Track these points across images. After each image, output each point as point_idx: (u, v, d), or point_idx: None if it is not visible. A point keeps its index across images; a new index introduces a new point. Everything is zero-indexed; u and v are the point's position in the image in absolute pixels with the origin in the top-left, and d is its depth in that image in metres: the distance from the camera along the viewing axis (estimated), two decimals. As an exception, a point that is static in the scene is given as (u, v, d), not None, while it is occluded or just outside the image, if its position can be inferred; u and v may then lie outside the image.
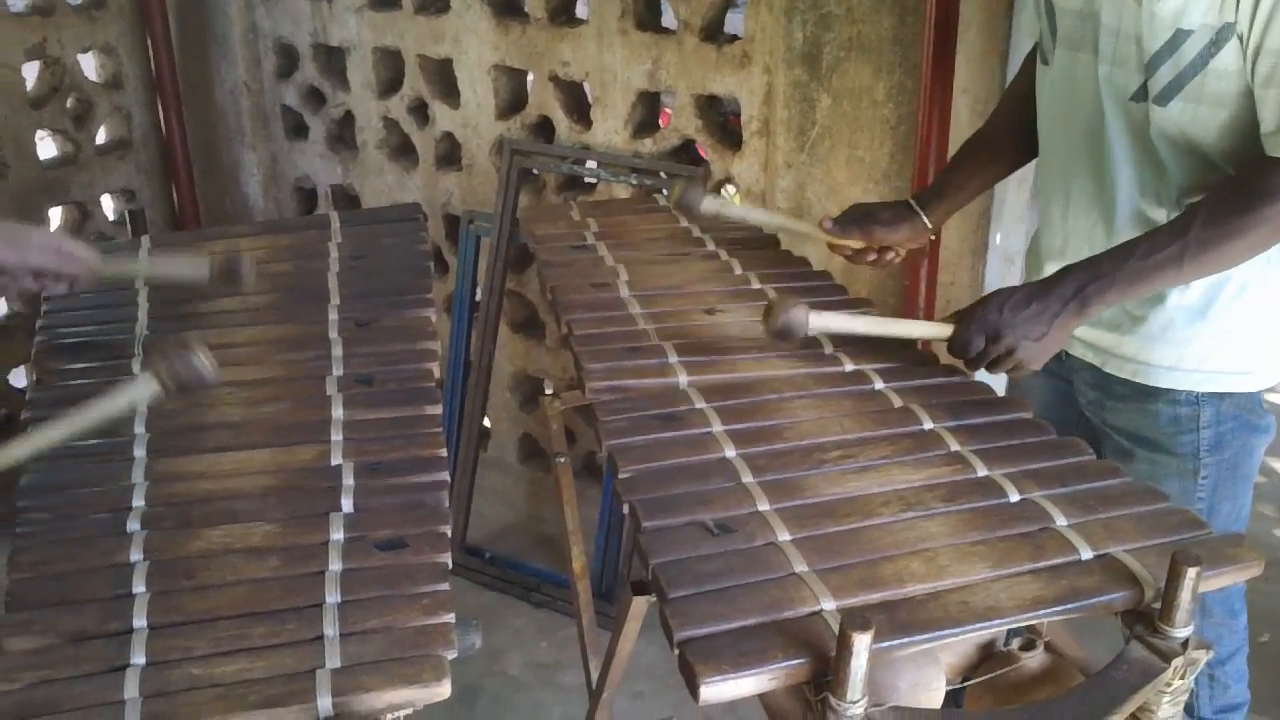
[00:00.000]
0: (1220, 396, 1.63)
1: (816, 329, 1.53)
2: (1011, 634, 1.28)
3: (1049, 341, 1.51)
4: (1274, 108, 1.40)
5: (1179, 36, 1.44)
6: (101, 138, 3.45)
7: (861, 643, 0.94)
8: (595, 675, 1.94)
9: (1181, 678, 1.10)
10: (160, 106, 3.48)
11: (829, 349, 1.57)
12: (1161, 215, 1.56)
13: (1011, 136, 1.82)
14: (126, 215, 2.22)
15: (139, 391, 1.31)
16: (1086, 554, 1.16)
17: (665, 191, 2.72)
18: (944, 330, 1.58)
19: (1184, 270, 1.47)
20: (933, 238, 1.83)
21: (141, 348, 1.55)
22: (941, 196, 1.85)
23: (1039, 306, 1.50)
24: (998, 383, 1.74)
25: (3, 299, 3.22)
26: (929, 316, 2.41)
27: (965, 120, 2.29)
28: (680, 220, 2.00)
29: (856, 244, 1.80)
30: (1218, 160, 1.51)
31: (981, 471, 1.30)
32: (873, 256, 1.82)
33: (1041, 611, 1.09)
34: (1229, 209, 1.44)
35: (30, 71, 3.20)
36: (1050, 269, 1.63)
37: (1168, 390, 1.64)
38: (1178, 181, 1.55)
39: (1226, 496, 1.67)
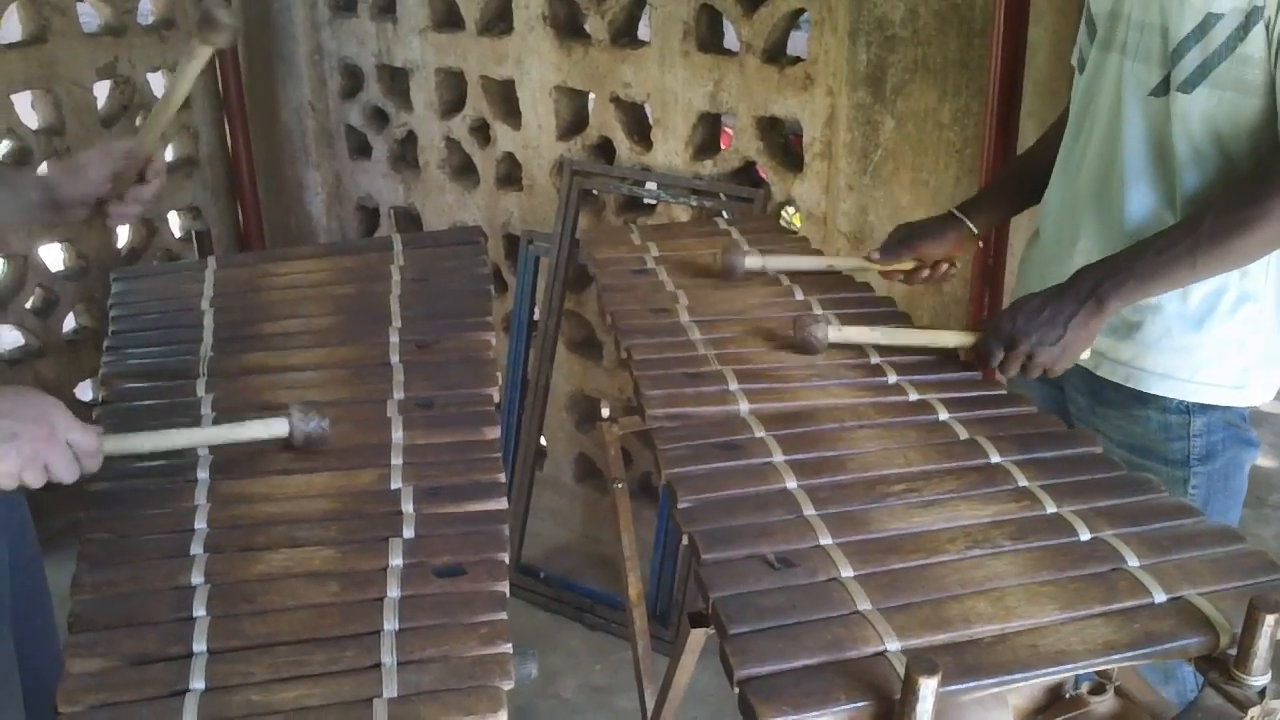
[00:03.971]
0: (1211, 408, 1.62)
1: (837, 341, 1.57)
2: (1080, 677, 1.24)
3: (1068, 343, 1.51)
4: None
5: (1209, 20, 1.45)
6: (169, 155, 3.50)
7: (928, 686, 0.92)
8: (650, 702, 1.92)
9: (1259, 728, 1.07)
10: (227, 125, 3.54)
11: (893, 378, 1.55)
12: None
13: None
14: (193, 233, 2.26)
15: (270, 429, 1.39)
16: (1160, 596, 1.13)
17: (725, 214, 2.72)
18: (967, 339, 1.58)
19: (1197, 265, 1.47)
20: (980, 245, 1.84)
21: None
22: (985, 204, 1.87)
23: (1052, 311, 1.51)
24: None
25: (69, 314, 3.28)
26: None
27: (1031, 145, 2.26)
28: (742, 245, 1.99)
29: (907, 265, 1.80)
30: (1239, 159, 1.50)
31: (1051, 508, 1.27)
32: (926, 273, 1.83)
33: (1113, 656, 1.06)
34: (1241, 201, 1.44)
35: (101, 90, 3.26)
36: (1043, 276, 1.65)
37: (1158, 397, 1.64)
38: (1190, 193, 1.54)
39: (1218, 510, 1.65)
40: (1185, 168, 1.54)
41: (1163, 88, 1.53)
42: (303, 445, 1.39)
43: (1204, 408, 1.63)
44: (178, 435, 1.40)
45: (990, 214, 1.88)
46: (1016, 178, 1.92)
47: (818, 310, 1.73)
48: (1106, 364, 1.67)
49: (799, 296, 1.78)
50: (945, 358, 1.62)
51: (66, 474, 1.26)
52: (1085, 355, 1.57)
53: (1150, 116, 1.56)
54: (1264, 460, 3.66)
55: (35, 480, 1.24)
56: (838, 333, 1.59)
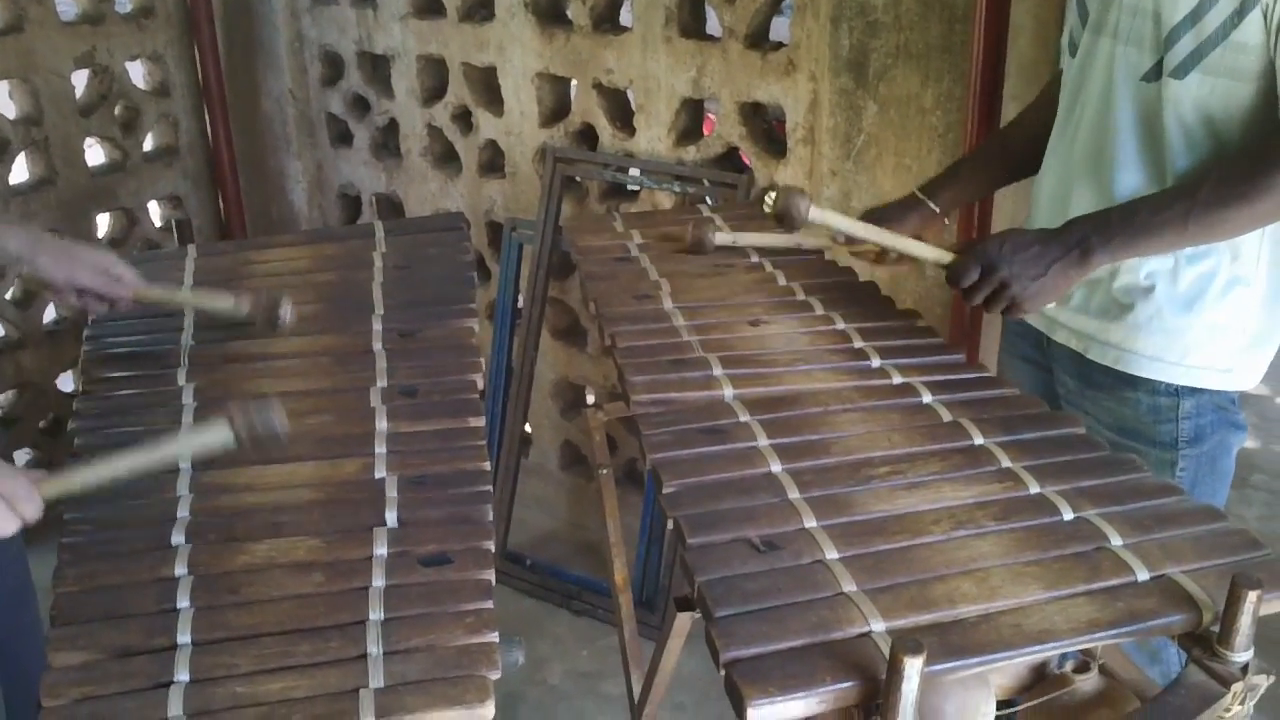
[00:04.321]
0: (1200, 391, 1.63)
1: (817, 219, 1.60)
2: (1064, 655, 1.25)
3: (1046, 285, 1.52)
4: None
5: (1203, 6, 1.45)
6: (149, 145, 3.48)
7: (913, 666, 0.92)
8: (637, 687, 1.92)
9: (1241, 703, 1.07)
10: (207, 114, 3.51)
11: (876, 362, 1.55)
12: None
13: (1030, 142, 1.81)
14: (173, 223, 2.24)
15: (212, 437, 1.24)
16: (1143, 575, 1.13)
17: (709, 200, 2.71)
18: (945, 256, 1.58)
19: (1188, 231, 1.48)
20: (944, 224, 1.87)
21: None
22: (948, 183, 1.86)
23: (1041, 249, 1.51)
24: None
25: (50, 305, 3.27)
26: (976, 330, 2.38)
27: (1014, 127, 2.26)
28: (714, 221, 1.98)
29: (873, 248, 1.80)
30: (1230, 144, 1.50)
31: (1034, 489, 1.27)
32: (894, 255, 1.82)
33: (1097, 634, 1.07)
34: (1239, 174, 1.45)
35: (79, 79, 3.24)
36: None
37: (1148, 380, 1.64)
38: (1180, 176, 1.54)
39: (1205, 493, 1.66)
40: (1176, 152, 1.54)
41: (1155, 73, 1.53)
42: (255, 445, 1.23)
43: (1193, 391, 1.63)
44: (112, 465, 1.24)
45: (954, 192, 1.86)
46: (987, 156, 1.92)
47: (800, 296, 1.73)
48: (1096, 346, 1.67)
49: (782, 282, 1.78)
50: (929, 342, 1.62)
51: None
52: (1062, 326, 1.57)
53: (1142, 101, 1.56)
54: (1248, 441, 3.67)
55: None
56: (818, 212, 1.61)
